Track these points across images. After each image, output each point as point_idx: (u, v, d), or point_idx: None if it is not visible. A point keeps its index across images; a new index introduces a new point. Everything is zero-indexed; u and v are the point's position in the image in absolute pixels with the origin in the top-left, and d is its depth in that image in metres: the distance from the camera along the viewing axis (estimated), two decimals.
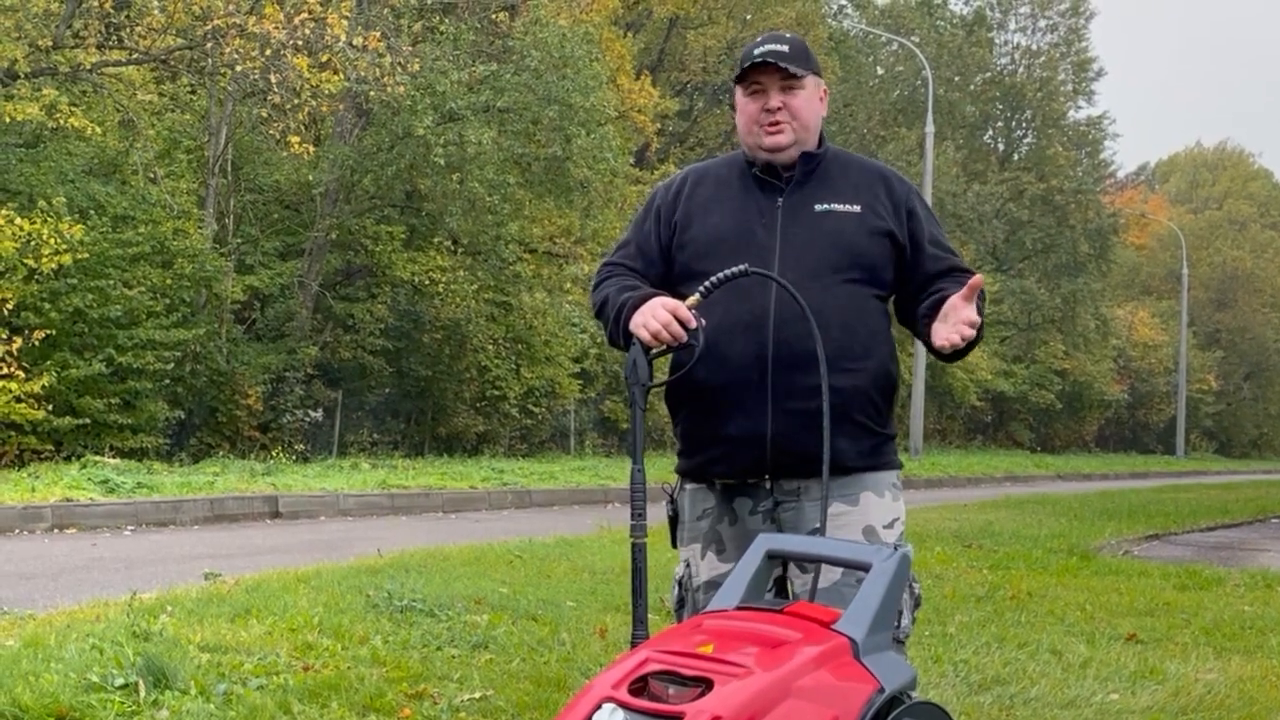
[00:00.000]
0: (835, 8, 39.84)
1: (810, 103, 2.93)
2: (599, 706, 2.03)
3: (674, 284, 2.94)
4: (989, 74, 44.79)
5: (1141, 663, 5.68)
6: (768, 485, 2.87)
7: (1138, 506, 17.05)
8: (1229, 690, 5.13)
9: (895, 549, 2.47)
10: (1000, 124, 46.97)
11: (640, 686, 2.07)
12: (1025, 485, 26.90)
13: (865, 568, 2.43)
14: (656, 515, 2.99)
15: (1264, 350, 55.35)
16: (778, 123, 2.88)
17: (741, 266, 2.70)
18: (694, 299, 2.71)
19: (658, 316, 2.69)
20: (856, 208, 2.89)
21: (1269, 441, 59.48)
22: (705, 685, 2.03)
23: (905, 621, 2.62)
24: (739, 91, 2.96)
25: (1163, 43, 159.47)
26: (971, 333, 2.72)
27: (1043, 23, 46.81)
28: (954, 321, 2.74)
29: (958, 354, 2.81)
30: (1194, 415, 50.46)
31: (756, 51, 2.90)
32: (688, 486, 2.99)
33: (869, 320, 2.87)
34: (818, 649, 2.18)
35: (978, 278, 2.79)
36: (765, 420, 2.80)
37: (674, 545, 3.03)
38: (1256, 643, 6.35)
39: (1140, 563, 10.09)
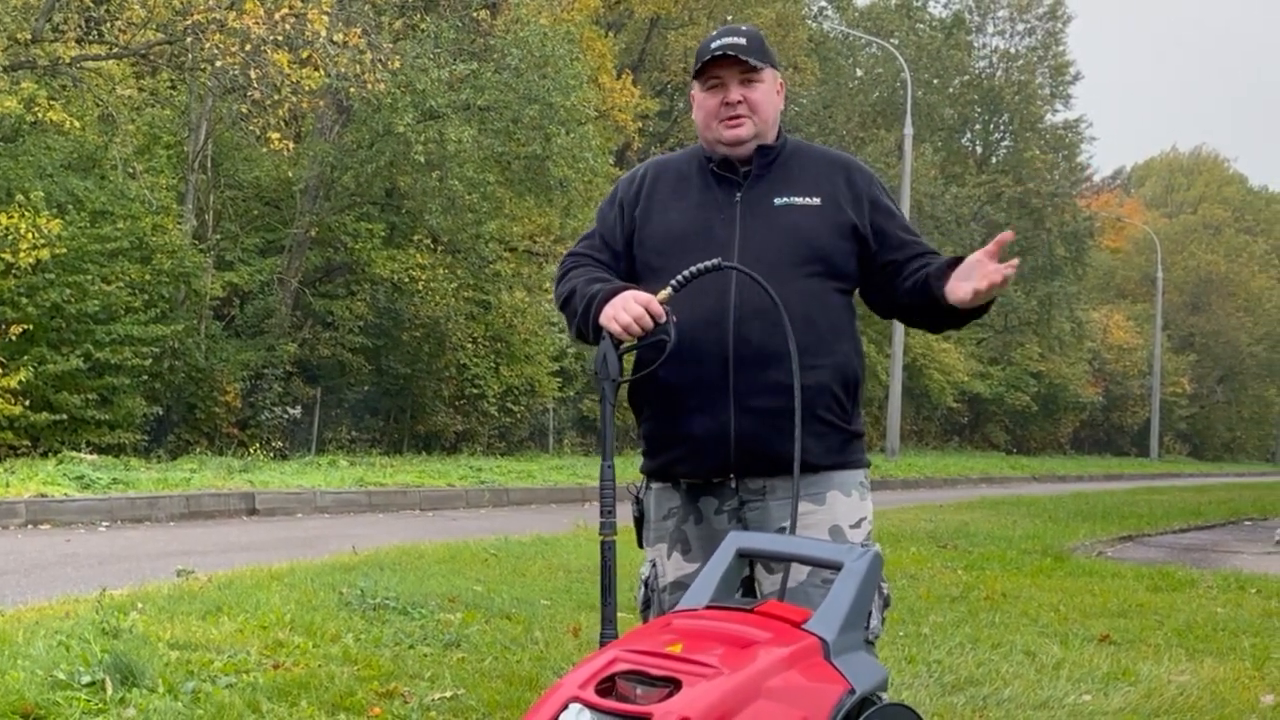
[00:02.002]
0: (815, 9, 39.96)
1: (769, 96, 2.90)
2: (566, 706, 2.01)
3: (633, 279, 2.90)
4: (967, 77, 44.97)
5: (1114, 664, 5.69)
6: (733, 484, 2.83)
7: (1112, 508, 17.14)
8: (1201, 692, 5.14)
9: (866, 549, 2.46)
10: (978, 127, 47.16)
11: (608, 686, 2.05)
12: (1001, 487, 26.99)
13: (836, 567, 2.41)
14: (626, 514, 2.97)
15: (1237, 354, 55.69)
16: (737, 116, 2.85)
17: (714, 260, 2.68)
18: (665, 293, 2.67)
19: (629, 309, 2.64)
20: (817, 200, 2.85)
21: (1241, 444, 59.89)
22: (673, 685, 2.00)
23: (875, 622, 2.59)
24: (697, 87, 2.92)
25: (1140, 47, 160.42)
26: (999, 280, 2.66)
27: (1020, 26, 47.07)
28: (979, 275, 2.69)
29: (972, 314, 2.78)
30: (1168, 418, 50.80)
31: (714, 45, 2.85)
32: (653, 486, 2.95)
33: (831, 315, 2.83)
34: (788, 649, 2.16)
35: (1007, 233, 2.75)
36: (729, 419, 2.76)
37: (640, 545, 2.99)
38: (1229, 644, 6.37)
39: (1114, 564, 10.13)
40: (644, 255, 2.92)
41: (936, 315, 2.87)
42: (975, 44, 46.22)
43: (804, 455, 2.68)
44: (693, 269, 2.67)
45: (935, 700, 4.88)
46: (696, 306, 2.73)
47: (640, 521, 2.97)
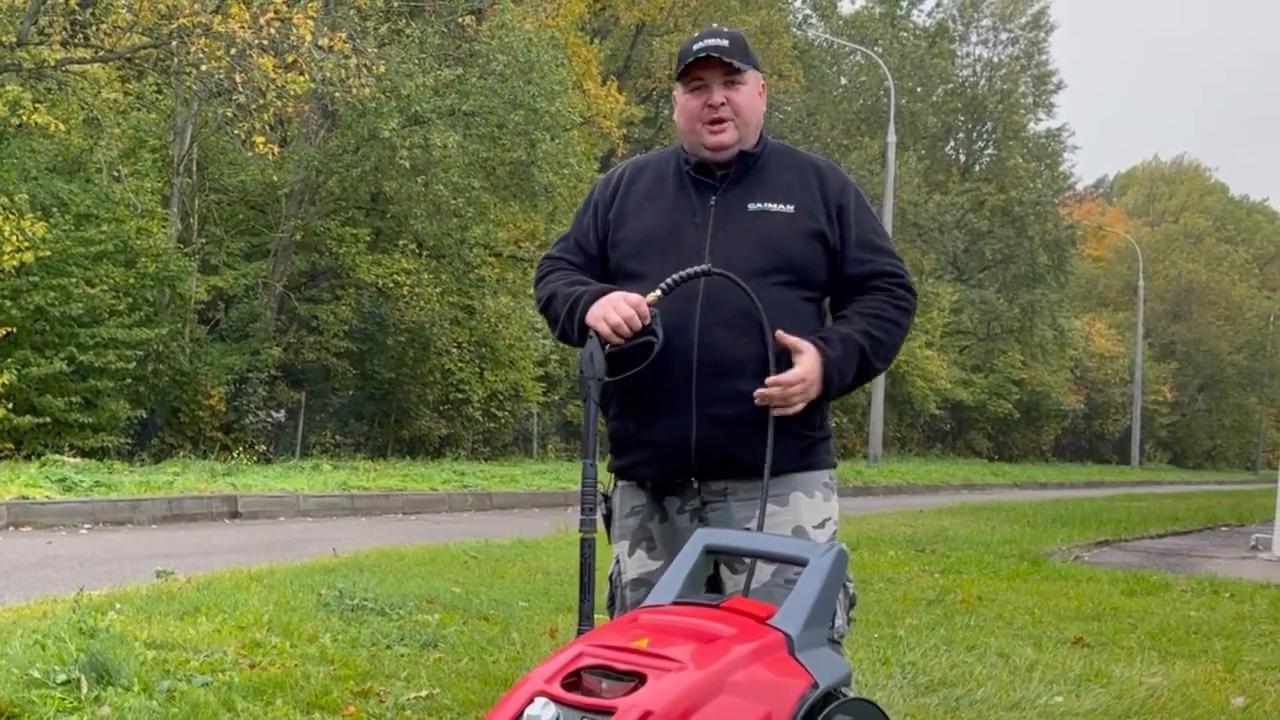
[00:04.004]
0: (800, 17, 40.08)
1: (752, 98, 2.88)
2: (531, 700, 2.02)
3: (608, 283, 2.91)
4: (951, 85, 45.10)
5: (1087, 666, 5.74)
6: (695, 485, 2.85)
7: (1090, 514, 17.18)
8: (1172, 693, 5.18)
9: (831, 546, 2.49)
10: (961, 135, 47.32)
11: (574, 681, 2.07)
12: (983, 493, 27.05)
13: (802, 563, 2.43)
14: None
15: (1218, 362, 55.94)
16: (721, 120, 2.83)
17: (704, 266, 2.69)
18: (655, 295, 2.68)
19: (619, 310, 2.66)
20: (790, 208, 2.84)
21: (1222, 452, 60.15)
22: (638, 680, 2.02)
23: (840, 621, 2.61)
24: (679, 89, 2.91)
25: (1123, 57, 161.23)
26: (774, 392, 2.68)
27: (1004, 35, 47.28)
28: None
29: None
30: (1149, 426, 50.99)
31: (697, 46, 2.83)
32: (620, 484, 2.98)
33: (798, 324, 2.80)
34: (752, 644, 2.18)
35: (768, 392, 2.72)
36: (690, 426, 2.77)
37: (610, 543, 3.02)
38: (1201, 647, 6.43)
39: (1089, 568, 10.18)
40: (618, 259, 2.92)
41: None
42: (959, 53, 46.39)
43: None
44: (683, 273, 2.68)
45: (909, 701, 4.92)
46: (662, 312, 2.73)
47: (609, 520, 3.00)
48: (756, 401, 2.70)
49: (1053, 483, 34.53)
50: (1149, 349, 51.41)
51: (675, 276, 2.68)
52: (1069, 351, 46.60)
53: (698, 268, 2.69)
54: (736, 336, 2.73)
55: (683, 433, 2.78)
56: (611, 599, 2.94)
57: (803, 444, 2.85)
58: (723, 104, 2.83)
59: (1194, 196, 65.10)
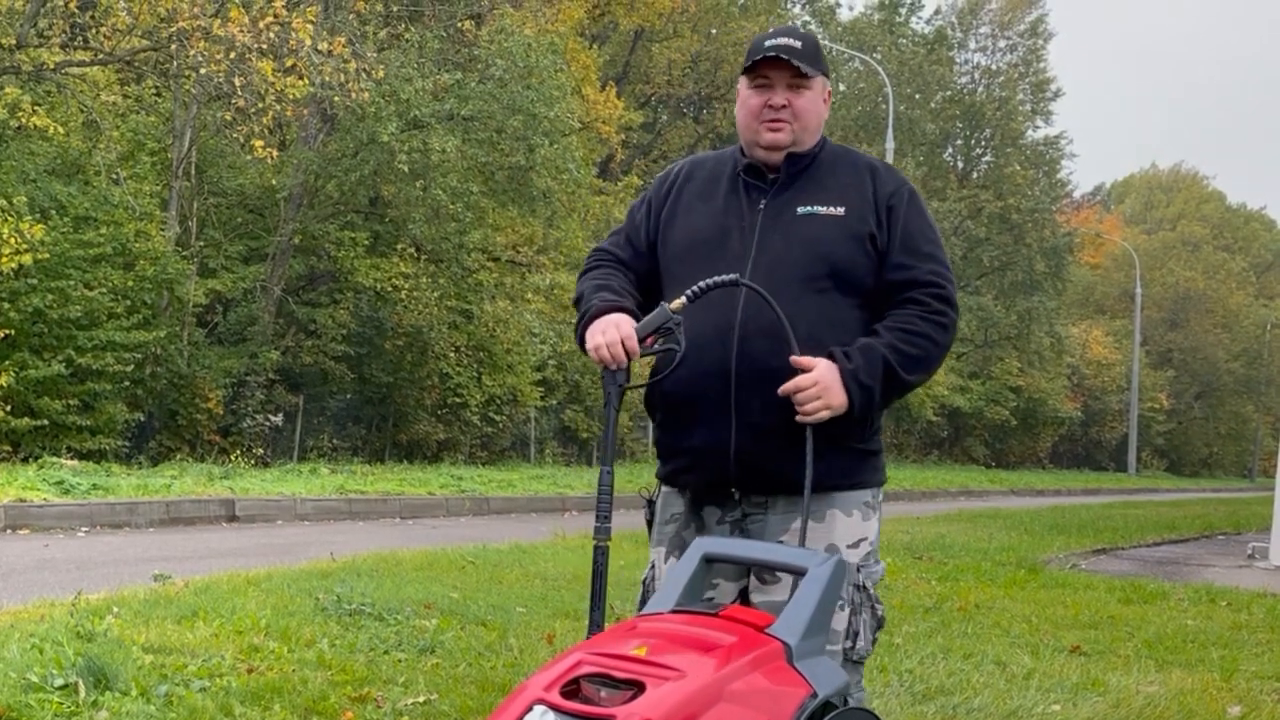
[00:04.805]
0: (799, 24, 40.11)
1: (815, 103, 2.84)
2: (530, 708, 2.03)
3: (657, 283, 2.91)
4: (949, 92, 45.12)
5: (1084, 674, 5.75)
6: (736, 496, 2.83)
7: (1087, 522, 17.22)
8: (1169, 702, 5.19)
9: (830, 555, 2.48)
10: (960, 142, 47.32)
11: (573, 689, 2.07)
12: (980, 500, 27.07)
13: (800, 572, 2.43)
14: (619, 521, 3.01)
15: (1215, 370, 56.00)
16: (780, 120, 2.80)
17: (732, 275, 2.67)
18: (680, 302, 2.67)
19: (606, 334, 2.66)
20: (840, 210, 2.79)
21: (1219, 460, 60.21)
22: (637, 688, 2.03)
23: (863, 643, 2.60)
24: (744, 83, 2.87)
25: (1121, 64, 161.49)
26: (788, 388, 2.66)
27: (1002, 43, 47.38)
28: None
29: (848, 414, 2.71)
30: (1146, 433, 51.02)
31: (768, 44, 2.79)
32: (663, 489, 2.97)
33: (842, 332, 2.75)
34: (751, 653, 2.18)
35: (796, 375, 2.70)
36: (729, 434, 2.75)
37: (650, 546, 3.03)
38: (1198, 656, 6.45)
39: (1086, 576, 10.21)
40: (666, 261, 2.91)
41: None
42: (957, 60, 46.47)
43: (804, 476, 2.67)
44: (709, 281, 2.67)
45: (906, 709, 4.92)
46: (702, 320, 2.72)
47: (651, 524, 3.00)
48: (779, 392, 2.66)
49: (1050, 490, 34.59)
50: (1146, 356, 51.43)
51: (700, 285, 2.67)
52: (1066, 359, 46.61)
53: (726, 277, 2.67)
54: (776, 346, 2.68)
55: (721, 441, 2.77)
56: (643, 602, 2.91)
57: (849, 458, 2.81)
58: (784, 106, 2.80)
59: (1191, 204, 65.16)
